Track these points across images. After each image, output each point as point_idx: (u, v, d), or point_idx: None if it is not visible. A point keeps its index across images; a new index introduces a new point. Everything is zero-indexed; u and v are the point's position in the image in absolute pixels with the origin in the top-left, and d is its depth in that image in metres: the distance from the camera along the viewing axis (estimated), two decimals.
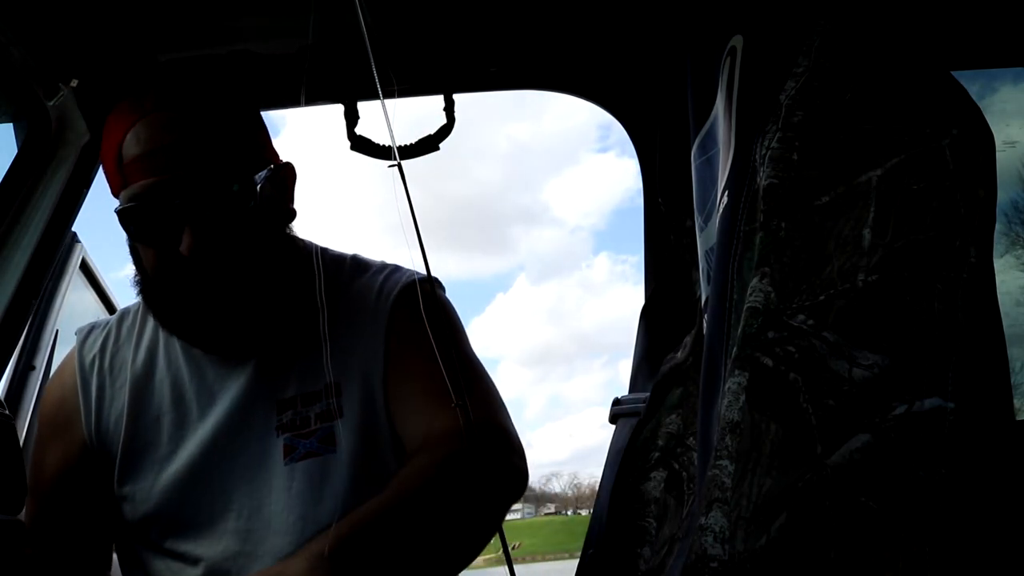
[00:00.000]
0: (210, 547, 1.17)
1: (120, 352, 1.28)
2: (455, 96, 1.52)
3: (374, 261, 1.34)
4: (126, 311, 1.33)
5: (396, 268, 1.31)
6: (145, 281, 1.19)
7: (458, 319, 1.33)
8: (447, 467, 1.11)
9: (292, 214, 1.25)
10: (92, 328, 1.32)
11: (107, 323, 1.32)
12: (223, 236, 1.11)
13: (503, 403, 1.27)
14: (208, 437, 1.20)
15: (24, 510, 1.23)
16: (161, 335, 1.26)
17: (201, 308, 1.15)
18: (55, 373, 1.33)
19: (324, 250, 1.32)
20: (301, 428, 1.20)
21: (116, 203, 1.14)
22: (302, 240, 1.29)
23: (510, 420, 1.25)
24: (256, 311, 1.16)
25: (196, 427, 1.21)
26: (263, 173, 1.16)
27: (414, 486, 1.09)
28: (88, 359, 1.28)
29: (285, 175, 1.24)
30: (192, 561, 1.18)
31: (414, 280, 1.28)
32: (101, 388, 1.26)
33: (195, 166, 1.10)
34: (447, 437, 1.12)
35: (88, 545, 1.24)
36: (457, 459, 1.11)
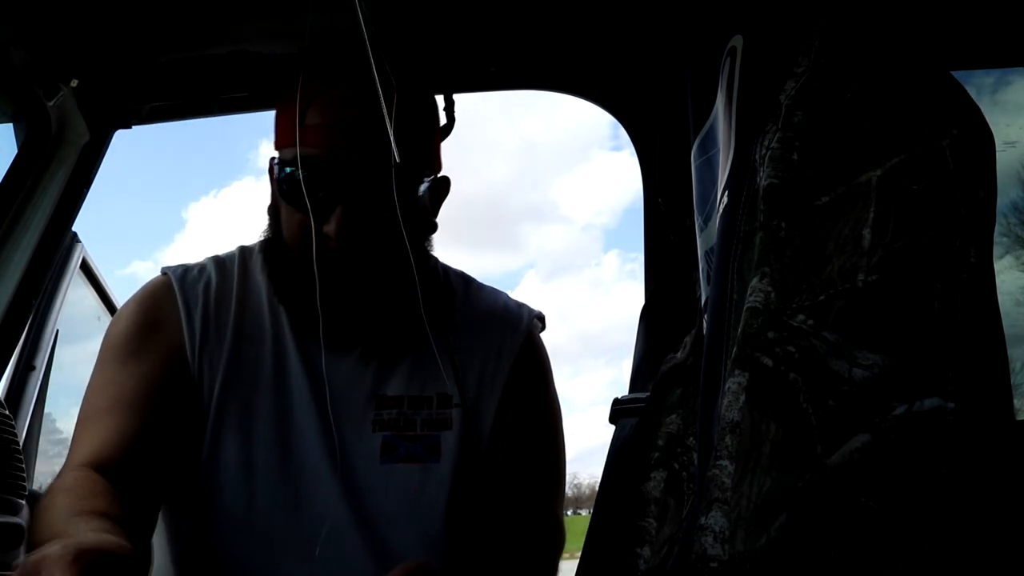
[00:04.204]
0: (289, 529, 1.14)
1: (224, 300, 1.22)
2: (455, 96, 1.52)
3: (482, 282, 1.35)
4: (221, 259, 1.26)
5: (506, 293, 1.35)
6: (277, 244, 1.16)
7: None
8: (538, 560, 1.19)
9: (435, 227, 1.23)
10: (187, 268, 1.24)
11: (202, 267, 1.25)
12: (371, 230, 1.09)
13: (564, 487, 1.32)
14: (304, 409, 1.17)
15: (79, 438, 1.12)
16: (266, 296, 1.22)
17: (323, 292, 1.11)
18: (141, 297, 1.22)
19: (435, 258, 1.31)
20: (405, 430, 1.18)
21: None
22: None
23: (563, 509, 1.29)
24: (375, 310, 1.15)
25: (294, 396, 1.17)
26: (427, 180, 1.15)
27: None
28: (192, 295, 1.20)
29: (442, 188, 1.23)
30: (266, 541, 1.14)
31: (539, 318, 1.33)
32: (205, 329, 1.19)
33: (374, 155, 1.08)
34: (553, 532, 1.22)
35: (148, 491, 1.10)
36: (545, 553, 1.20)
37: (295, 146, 1.09)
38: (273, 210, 1.17)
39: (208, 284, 1.22)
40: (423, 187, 1.15)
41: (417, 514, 1.16)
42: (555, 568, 1.23)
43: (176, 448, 1.14)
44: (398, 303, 1.16)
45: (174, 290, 1.20)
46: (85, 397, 1.16)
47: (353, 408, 1.18)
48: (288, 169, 1.10)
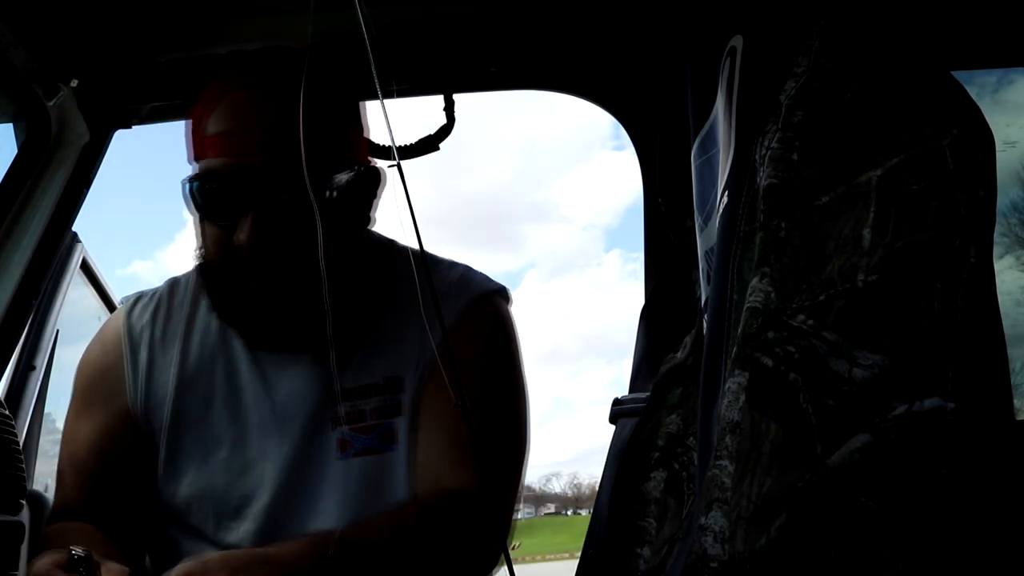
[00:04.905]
0: (253, 537, 1.14)
1: (171, 323, 1.23)
2: (455, 96, 1.52)
3: (442, 257, 1.30)
4: (176, 280, 1.28)
5: (469, 268, 1.28)
6: (205, 259, 1.16)
7: (516, 339, 1.27)
8: (446, 529, 1.08)
9: (367, 220, 1.19)
10: (140, 297, 1.27)
11: (156, 292, 1.27)
12: (285, 231, 1.07)
13: (524, 468, 1.23)
14: (261, 425, 1.16)
15: (58, 484, 1.20)
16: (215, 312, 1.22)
17: (251, 300, 1.11)
18: (95, 340, 1.28)
19: (392, 241, 1.30)
20: (357, 422, 1.16)
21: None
22: (371, 232, 1.25)
23: (521, 490, 1.22)
24: (312, 311, 1.10)
25: (248, 413, 1.18)
26: (345, 174, 1.11)
27: (413, 533, 1.06)
28: (137, 328, 1.23)
29: (370, 179, 1.17)
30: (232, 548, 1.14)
31: (494, 291, 1.25)
32: (151, 359, 1.21)
33: (276, 155, 1.06)
34: (459, 500, 1.09)
35: (124, 523, 1.18)
36: (456, 522, 1.08)
37: (201, 159, 1.09)
38: (199, 225, 1.16)
39: (156, 312, 1.24)
40: (342, 179, 1.10)
41: (381, 506, 1.13)
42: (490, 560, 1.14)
43: (141, 480, 1.19)
44: (335, 299, 1.11)
45: (121, 327, 1.24)
46: (63, 435, 1.25)
47: (312, 409, 1.17)
48: (196, 183, 1.09)
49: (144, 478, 1.19)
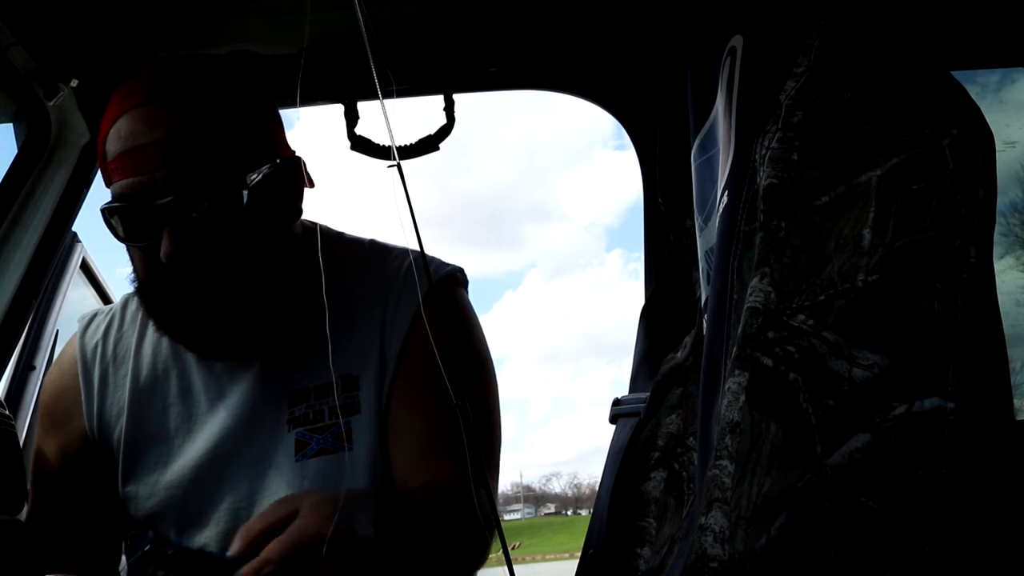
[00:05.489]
0: (218, 542, 1.14)
1: (124, 339, 1.24)
2: (455, 96, 1.52)
3: (395, 245, 1.26)
4: (130, 296, 1.27)
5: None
6: (139, 282, 1.14)
7: (476, 320, 1.25)
8: (439, 529, 1.05)
9: (295, 212, 1.16)
10: (95, 315, 1.27)
11: (110, 310, 1.27)
12: (206, 240, 1.05)
13: (499, 452, 1.20)
14: (217, 432, 1.16)
15: (30, 496, 1.20)
16: None
17: (190, 315, 1.09)
18: (55, 361, 1.30)
19: (341, 234, 1.28)
20: (315, 423, 1.14)
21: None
22: (313, 224, 1.23)
23: (498, 477, 1.19)
24: (251, 316, 1.10)
25: (204, 420, 1.17)
26: (258, 172, 1.08)
27: (418, 529, 1.01)
28: (90, 346, 1.24)
29: (289, 171, 1.13)
30: (206, 557, 1.14)
31: (448, 274, 1.22)
32: (104, 377, 1.22)
33: (177, 165, 1.03)
34: (446, 496, 1.06)
35: (94, 538, 1.20)
36: (452, 516, 1.05)
37: (110, 184, 1.08)
38: (128, 250, 1.14)
39: (108, 329, 1.25)
40: (254, 178, 1.07)
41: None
42: (479, 551, 1.11)
43: (105, 496, 1.21)
44: (274, 301, 1.12)
45: (76, 348, 1.25)
46: (32, 454, 1.27)
47: (268, 411, 1.16)
48: (109, 209, 1.07)
49: (108, 493, 1.21)
